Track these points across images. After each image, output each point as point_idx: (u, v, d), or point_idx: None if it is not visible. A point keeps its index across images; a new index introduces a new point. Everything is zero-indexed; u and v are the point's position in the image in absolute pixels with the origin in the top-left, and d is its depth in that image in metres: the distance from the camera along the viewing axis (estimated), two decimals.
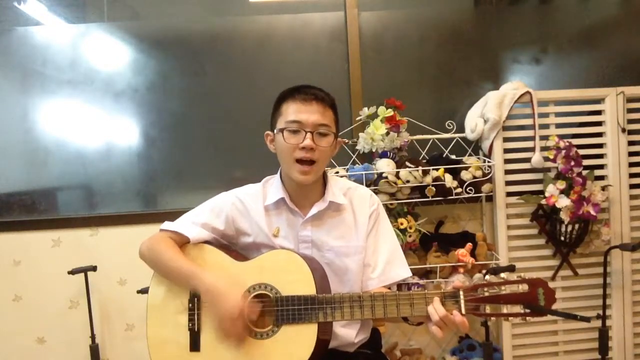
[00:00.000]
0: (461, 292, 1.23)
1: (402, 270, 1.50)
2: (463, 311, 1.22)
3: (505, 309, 1.21)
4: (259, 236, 1.47)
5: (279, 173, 1.52)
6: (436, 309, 1.22)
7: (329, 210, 1.48)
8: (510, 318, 1.22)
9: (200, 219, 1.47)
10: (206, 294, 1.33)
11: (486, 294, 1.22)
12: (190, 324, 1.38)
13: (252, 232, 1.48)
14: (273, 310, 1.34)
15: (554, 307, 1.22)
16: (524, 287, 1.21)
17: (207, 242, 1.47)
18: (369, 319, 1.39)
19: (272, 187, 1.51)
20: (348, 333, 1.47)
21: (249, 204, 1.49)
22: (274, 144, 1.46)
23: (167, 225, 1.48)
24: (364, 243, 1.48)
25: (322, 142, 1.40)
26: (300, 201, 1.48)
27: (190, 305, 1.39)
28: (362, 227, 1.49)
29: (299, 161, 1.39)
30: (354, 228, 1.49)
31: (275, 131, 1.44)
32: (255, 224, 1.48)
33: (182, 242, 1.45)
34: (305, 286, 1.33)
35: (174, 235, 1.44)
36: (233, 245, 1.53)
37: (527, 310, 1.20)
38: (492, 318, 1.26)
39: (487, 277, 1.25)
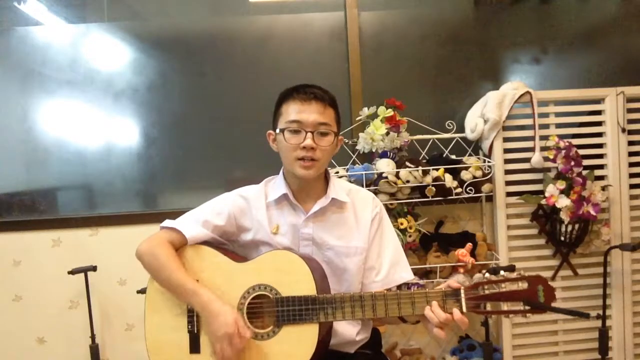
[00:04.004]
0: (462, 291, 1.24)
1: (405, 273, 1.51)
2: (464, 309, 1.23)
3: (505, 307, 1.22)
4: (259, 232, 1.48)
5: (281, 172, 1.53)
6: (435, 314, 1.23)
7: (332, 207, 1.49)
8: (510, 315, 1.23)
9: (201, 217, 1.47)
10: (202, 311, 1.33)
11: (486, 291, 1.23)
12: (189, 326, 1.38)
13: (253, 228, 1.48)
14: (273, 311, 1.33)
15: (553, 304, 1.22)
16: (523, 285, 1.22)
17: (205, 242, 1.46)
18: (370, 318, 1.39)
19: (274, 185, 1.52)
20: (348, 330, 1.48)
21: (251, 200, 1.50)
22: (276, 143, 1.48)
23: (167, 223, 1.47)
24: (364, 245, 1.49)
25: (322, 142, 1.41)
26: (303, 198, 1.49)
27: (190, 307, 1.38)
28: (363, 229, 1.49)
29: (301, 159, 1.41)
30: (355, 229, 1.49)
31: (276, 131, 1.45)
32: (256, 220, 1.48)
33: (181, 242, 1.44)
34: (305, 286, 1.33)
35: (173, 235, 1.43)
36: (232, 244, 1.53)
37: (527, 307, 1.20)
38: (493, 315, 1.26)
39: (486, 275, 1.25)
